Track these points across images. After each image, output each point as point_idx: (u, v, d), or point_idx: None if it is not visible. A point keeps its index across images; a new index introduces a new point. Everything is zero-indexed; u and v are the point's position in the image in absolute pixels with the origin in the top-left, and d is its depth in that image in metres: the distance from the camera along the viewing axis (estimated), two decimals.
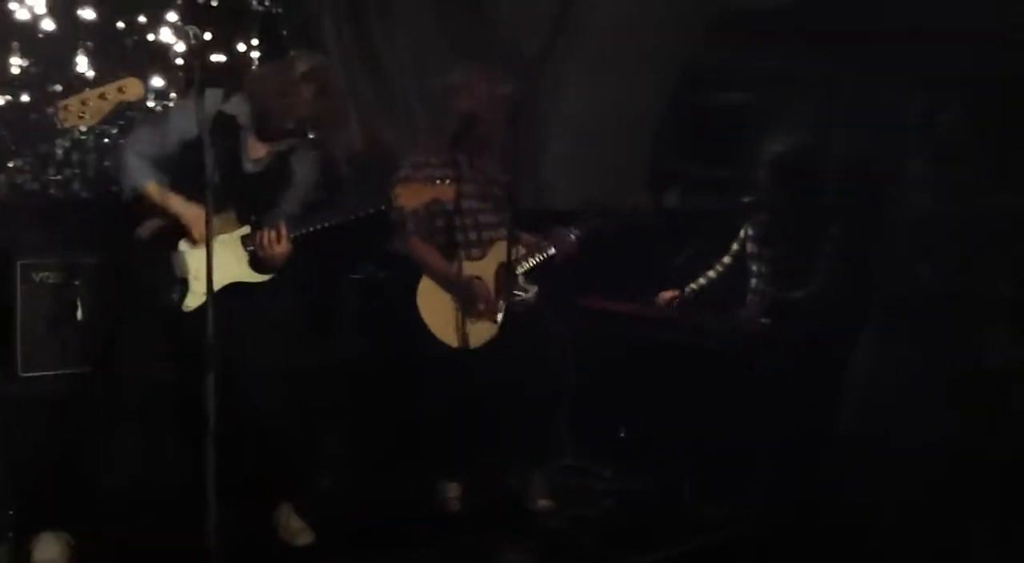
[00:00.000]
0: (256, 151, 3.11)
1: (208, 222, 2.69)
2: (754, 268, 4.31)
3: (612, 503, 3.78)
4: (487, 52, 5.11)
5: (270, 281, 3.13)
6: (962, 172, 4.06)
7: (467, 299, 3.56)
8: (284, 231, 3.03)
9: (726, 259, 4.39)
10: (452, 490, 3.72)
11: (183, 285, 2.99)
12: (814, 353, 3.87)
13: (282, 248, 3.03)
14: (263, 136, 3.11)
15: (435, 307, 3.56)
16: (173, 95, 4.21)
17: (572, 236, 3.71)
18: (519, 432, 3.70)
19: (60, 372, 3.48)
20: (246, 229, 3.06)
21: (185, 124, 2.92)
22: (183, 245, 3.01)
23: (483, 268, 3.64)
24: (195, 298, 2.98)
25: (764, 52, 6.33)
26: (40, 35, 4.03)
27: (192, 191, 2.92)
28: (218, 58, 4.57)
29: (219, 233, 2.99)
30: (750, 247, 4.31)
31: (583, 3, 5.39)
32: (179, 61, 4.21)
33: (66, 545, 2.99)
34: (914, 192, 4.15)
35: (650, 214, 3.90)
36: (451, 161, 3.64)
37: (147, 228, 3.02)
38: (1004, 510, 3.35)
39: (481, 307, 3.57)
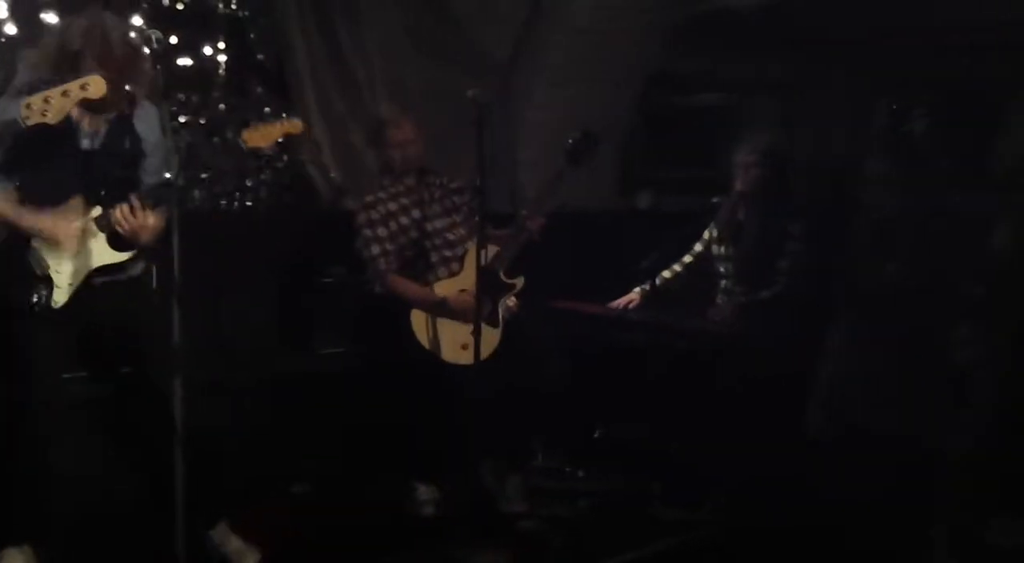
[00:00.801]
0: (91, 124, 2.94)
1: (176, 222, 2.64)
2: (721, 269, 4.35)
3: (586, 504, 3.79)
4: (456, 57, 5.12)
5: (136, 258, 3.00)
6: (925, 171, 4.12)
7: (463, 313, 3.58)
8: (136, 203, 2.85)
9: (687, 258, 4.42)
10: (425, 493, 3.71)
11: (46, 282, 2.88)
12: (782, 352, 3.91)
13: (141, 221, 2.85)
14: (92, 109, 2.92)
15: (435, 334, 3.59)
16: None
17: (536, 218, 3.68)
18: (493, 434, 3.71)
19: None
20: (97, 210, 2.91)
21: (11, 120, 2.75)
22: (35, 241, 2.89)
23: (465, 279, 3.66)
24: (62, 293, 2.88)
25: (731, 56, 6.40)
26: (2, 39, 3.98)
27: (34, 185, 2.84)
28: (184, 62, 4.53)
29: (70, 220, 2.90)
30: (715, 249, 4.35)
31: (551, 8, 5.41)
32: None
33: (29, 559, 2.93)
34: (878, 191, 4.20)
35: (621, 215, 3.90)
36: (400, 188, 3.72)
37: None
38: (970, 506, 3.40)
39: (472, 314, 3.57)
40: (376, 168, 3.84)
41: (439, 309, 3.61)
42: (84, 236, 2.90)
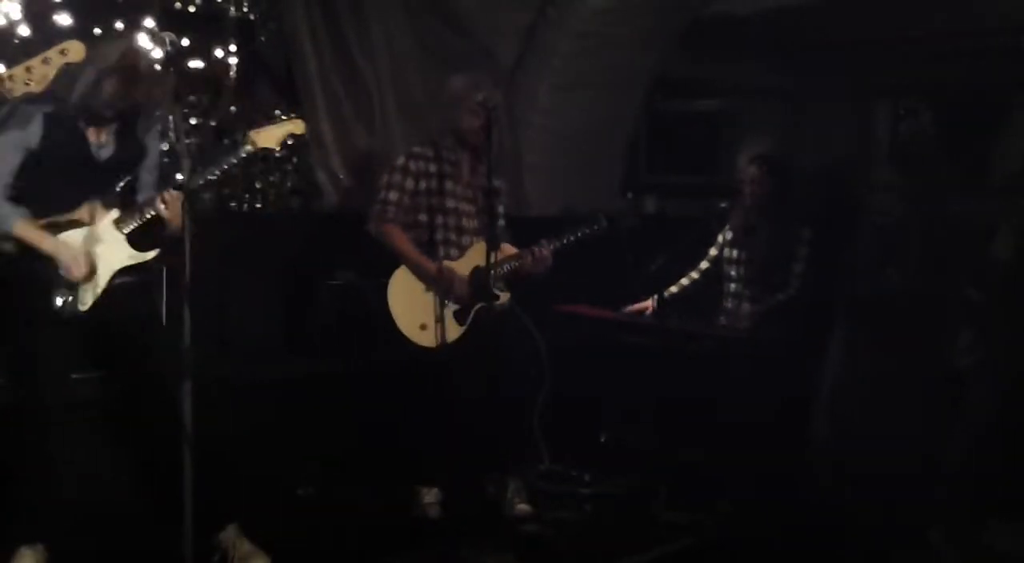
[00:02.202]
0: (97, 136, 3.02)
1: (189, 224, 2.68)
2: (732, 273, 4.37)
3: (592, 508, 3.80)
4: (462, 61, 5.14)
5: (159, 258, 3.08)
6: (928, 178, 4.14)
7: (442, 286, 3.57)
8: (175, 196, 2.94)
9: (703, 265, 4.45)
10: (430, 496, 3.73)
11: (70, 286, 2.94)
12: (790, 356, 3.93)
13: (176, 213, 2.94)
14: (98, 123, 3.02)
15: (404, 303, 3.57)
16: None
17: (546, 251, 3.70)
18: (497, 438, 3.72)
19: None
20: (115, 213, 3.00)
21: (24, 135, 2.89)
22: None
23: (458, 268, 3.64)
24: (88, 295, 2.96)
25: (734, 61, 6.42)
26: (16, 41, 3.99)
27: (48, 203, 2.91)
28: (195, 64, 4.56)
29: (86, 225, 2.96)
30: (727, 252, 4.38)
31: (556, 13, 5.44)
32: (156, 67, 4.18)
33: (42, 558, 2.96)
34: (882, 197, 4.23)
35: (628, 220, 3.92)
36: (450, 159, 3.68)
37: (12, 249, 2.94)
38: (970, 509, 3.41)
39: (451, 294, 3.58)
40: (441, 127, 3.74)
41: (421, 274, 3.58)
42: (100, 240, 2.96)
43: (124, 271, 3.02)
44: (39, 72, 2.58)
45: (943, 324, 3.64)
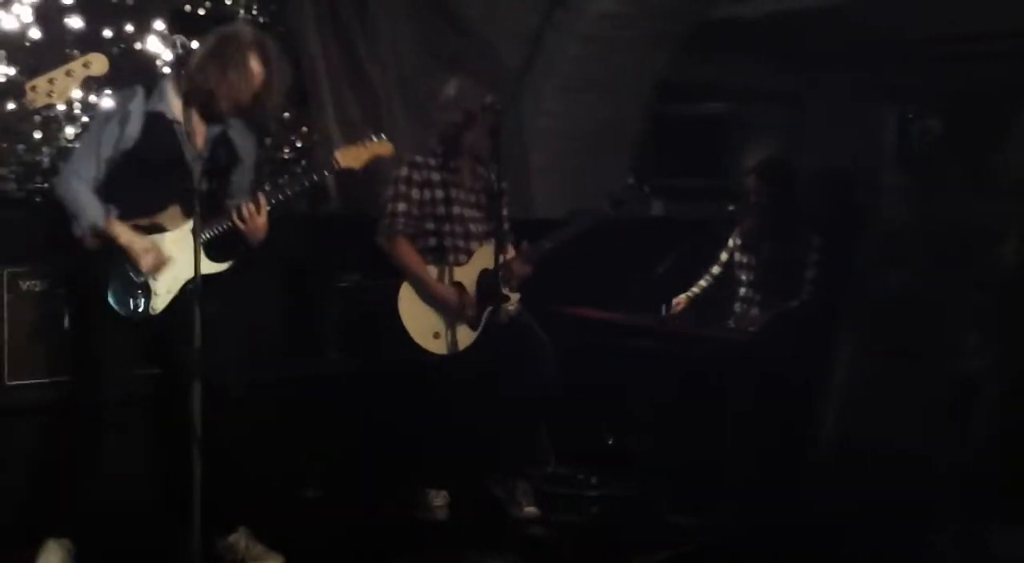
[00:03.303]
0: (197, 142, 2.98)
1: (196, 232, 2.70)
2: (742, 277, 4.38)
3: (598, 511, 3.80)
4: (469, 63, 5.15)
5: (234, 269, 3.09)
6: (935, 181, 4.14)
7: (446, 307, 3.59)
8: (262, 201, 3.00)
9: (715, 269, 4.45)
10: (438, 498, 3.74)
11: (145, 289, 2.95)
12: (797, 360, 3.93)
13: (262, 219, 3.01)
14: (199, 122, 3.02)
15: (415, 312, 3.59)
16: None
17: (529, 261, 3.70)
18: (504, 440, 3.73)
19: (47, 381, 3.47)
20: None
21: (120, 134, 2.91)
22: None
23: (466, 273, 3.67)
24: (160, 300, 2.97)
25: (743, 65, 6.43)
26: (27, 43, 4.01)
27: (135, 204, 2.93)
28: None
29: (167, 230, 2.98)
30: (737, 256, 4.38)
31: (563, 17, 5.45)
32: (166, 70, 4.21)
33: (67, 553, 2.98)
34: (887, 201, 4.23)
35: (636, 219, 3.91)
36: (450, 165, 3.69)
37: (96, 243, 2.96)
38: (975, 514, 3.41)
39: (460, 314, 3.60)
40: (437, 134, 3.74)
41: (427, 291, 3.60)
42: (177, 245, 2.97)
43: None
44: (61, 84, 2.60)
45: (950, 327, 3.64)
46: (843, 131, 6.40)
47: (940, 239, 3.80)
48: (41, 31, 4.02)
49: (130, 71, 4.12)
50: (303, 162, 4.82)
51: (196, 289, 2.66)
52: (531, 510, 3.69)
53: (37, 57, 3.89)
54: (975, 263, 3.62)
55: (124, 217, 2.94)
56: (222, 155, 3.09)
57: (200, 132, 3.02)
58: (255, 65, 3.00)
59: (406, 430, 3.77)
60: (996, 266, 3.52)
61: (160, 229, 2.99)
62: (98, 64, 2.63)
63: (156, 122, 2.98)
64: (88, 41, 4.06)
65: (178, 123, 2.94)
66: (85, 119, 4.10)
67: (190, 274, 2.92)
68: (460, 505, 3.73)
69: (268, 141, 4.56)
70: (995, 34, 5.71)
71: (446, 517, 3.69)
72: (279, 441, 3.79)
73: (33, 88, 2.59)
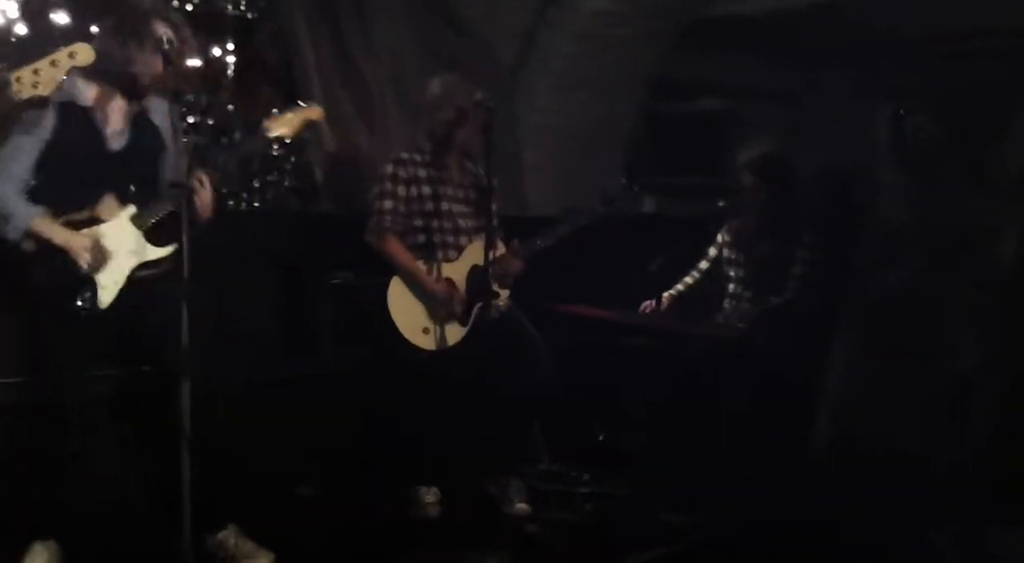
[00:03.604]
0: (113, 124, 2.99)
1: (187, 223, 2.67)
2: (731, 273, 4.36)
3: (591, 508, 3.78)
4: (462, 60, 5.14)
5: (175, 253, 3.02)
6: (932, 179, 4.13)
7: (436, 302, 3.58)
8: (205, 177, 2.95)
9: (703, 265, 4.43)
10: (430, 496, 3.72)
11: (89, 284, 2.91)
12: (791, 359, 3.92)
13: (207, 193, 2.95)
14: (119, 102, 2.99)
15: (404, 307, 3.57)
16: None
17: (521, 257, 3.68)
18: (497, 437, 3.71)
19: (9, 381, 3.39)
20: (132, 208, 2.96)
21: (39, 128, 2.86)
22: None
23: (456, 269, 3.65)
24: (107, 293, 2.93)
25: (734, 61, 6.42)
26: (13, 39, 3.99)
27: (67, 199, 2.89)
28: (193, 62, 4.54)
29: (104, 220, 2.93)
30: (726, 252, 4.36)
31: (556, 14, 5.44)
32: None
33: (53, 555, 2.95)
34: (886, 199, 4.21)
35: (628, 216, 3.89)
36: (438, 162, 3.67)
37: (31, 246, 2.91)
38: (973, 513, 3.40)
39: (450, 310, 3.58)
40: (423, 131, 3.71)
41: (417, 286, 3.58)
42: (117, 235, 2.93)
43: (143, 267, 2.99)
44: (47, 75, 2.55)
45: (947, 326, 3.62)
46: (840, 129, 6.38)
47: (938, 238, 3.78)
48: (27, 27, 3.99)
49: None
50: (292, 158, 4.80)
51: (187, 288, 2.63)
52: (524, 507, 3.67)
53: (23, 53, 3.86)
54: (973, 262, 3.61)
55: (59, 214, 2.90)
56: (145, 134, 3.04)
57: (119, 113, 2.99)
58: (161, 31, 2.93)
59: (398, 428, 3.75)
60: (994, 265, 3.51)
61: (97, 221, 2.94)
62: (84, 54, 2.59)
63: (69, 112, 2.93)
64: (74, 37, 4.03)
65: (91, 109, 2.92)
66: None
67: (133, 262, 2.94)
68: (453, 502, 3.71)
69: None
70: (993, 32, 5.70)
71: (438, 514, 3.67)
72: (271, 439, 3.77)
73: (18, 79, 2.55)
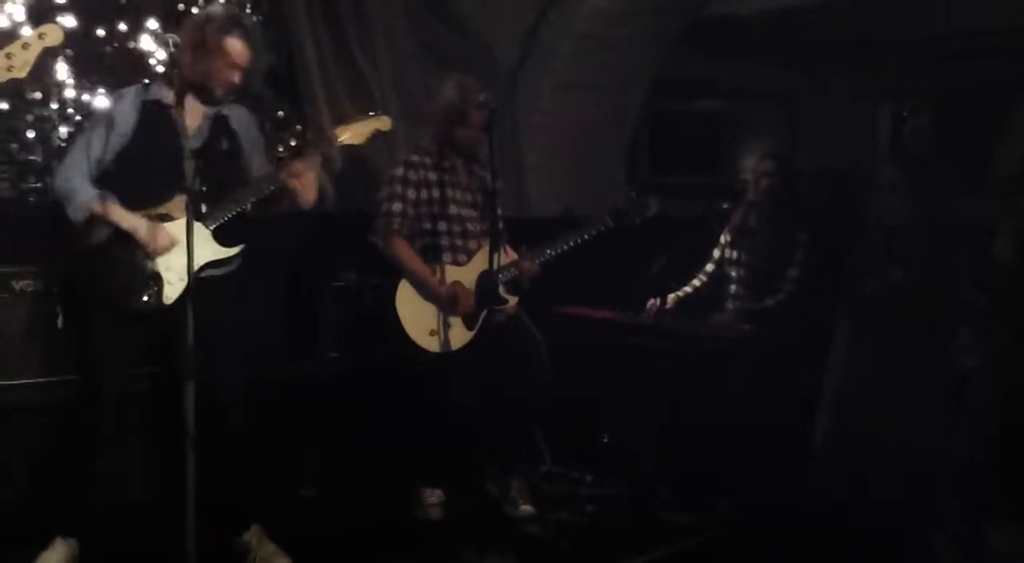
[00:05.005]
0: (191, 124, 3.01)
1: (189, 225, 2.67)
2: (732, 273, 4.37)
3: (594, 509, 3.80)
4: (463, 60, 5.15)
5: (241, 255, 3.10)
6: (930, 179, 4.14)
7: (445, 304, 3.58)
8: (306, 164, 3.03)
9: (709, 266, 4.44)
10: (433, 497, 3.74)
11: (156, 280, 2.94)
12: (790, 359, 3.93)
13: (311, 176, 3.04)
14: (197, 107, 3.04)
15: (412, 310, 3.58)
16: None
17: (537, 261, 3.70)
18: (500, 438, 3.72)
19: (40, 380, 3.46)
20: (202, 207, 2.99)
21: (116, 130, 2.92)
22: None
23: (466, 273, 3.66)
24: (173, 289, 2.95)
25: (738, 62, 6.42)
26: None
27: (140, 196, 2.92)
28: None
29: (175, 218, 2.96)
30: (728, 253, 4.38)
31: (557, 15, 5.44)
32: (159, 68, 4.19)
33: (71, 552, 2.98)
34: (884, 198, 4.23)
35: (631, 217, 3.90)
36: (446, 164, 3.68)
37: (99, 236, 2.96)
38: (972, 510, 3.41)
39: (455, 313, 3.59)
40: (431, 133, 3.73)
41: (427, 289, 3.59)
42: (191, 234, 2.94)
43: (210, 265, 3.01)
44: (20, 58, 2.56)
45: (946, 325, 3.64)
46: (838, 129, 6.39)
47: (935, 236, 3.80)
48: (33, 30, 3.99)
49: (123, 70, 4.12)
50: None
51: (190, 286, 2.64)
52: (527, 508, 3.69)
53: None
54: (971, 260, 3.63)
55: (133, 208, 2.94)
56: (222, 137, 3.07)
57: (198, 115, 3.03)
58: (234, 44, 2.99)
59: (401, 429, 3.77)
60: (992, 263, 3.53)
61: (167, 218, 2.97)
62: (53, 34, 2.60)
63: (152, 110, 2.98)
64: (80, 40, 4.05)
65: (173, 108, 2.91)
66: (79, 118, 4.08)
67: (202, 261, 2.95)
68: (456, 503, 3.73)
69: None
70: (991, 31, 5.71)
71: (441, 515, 3.70)
72: (275, 440, 3.78)
73: None
